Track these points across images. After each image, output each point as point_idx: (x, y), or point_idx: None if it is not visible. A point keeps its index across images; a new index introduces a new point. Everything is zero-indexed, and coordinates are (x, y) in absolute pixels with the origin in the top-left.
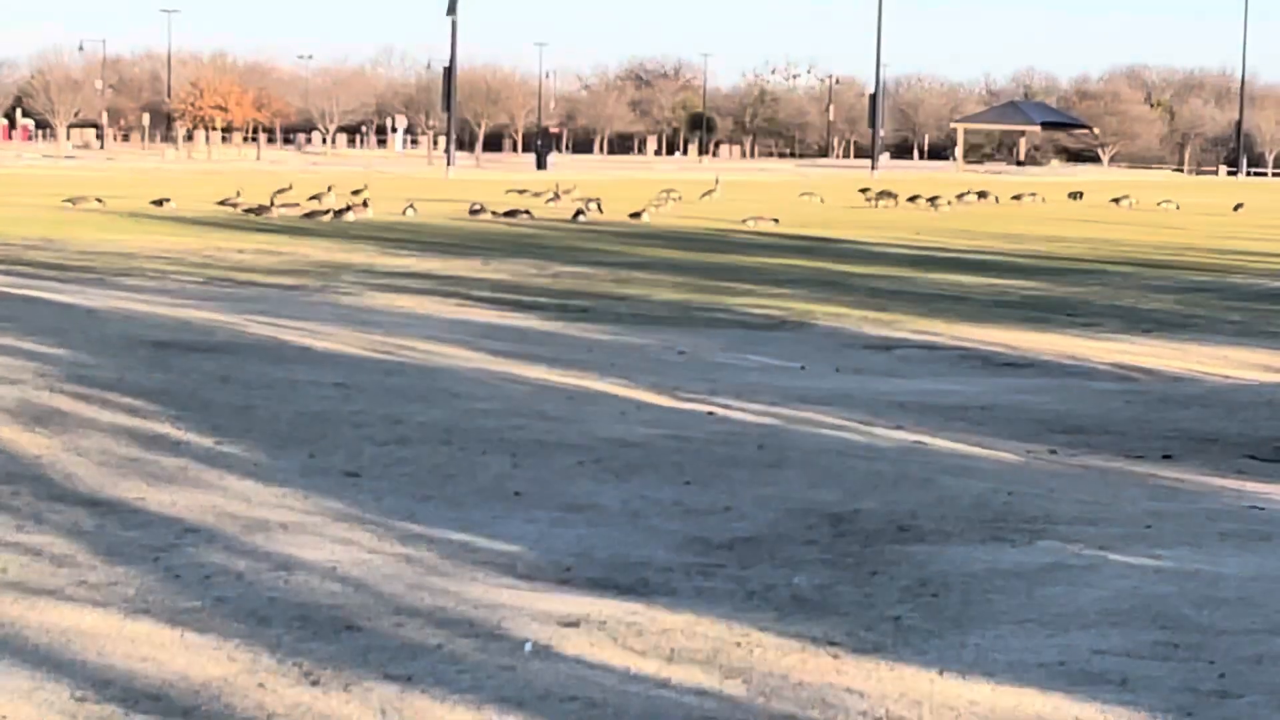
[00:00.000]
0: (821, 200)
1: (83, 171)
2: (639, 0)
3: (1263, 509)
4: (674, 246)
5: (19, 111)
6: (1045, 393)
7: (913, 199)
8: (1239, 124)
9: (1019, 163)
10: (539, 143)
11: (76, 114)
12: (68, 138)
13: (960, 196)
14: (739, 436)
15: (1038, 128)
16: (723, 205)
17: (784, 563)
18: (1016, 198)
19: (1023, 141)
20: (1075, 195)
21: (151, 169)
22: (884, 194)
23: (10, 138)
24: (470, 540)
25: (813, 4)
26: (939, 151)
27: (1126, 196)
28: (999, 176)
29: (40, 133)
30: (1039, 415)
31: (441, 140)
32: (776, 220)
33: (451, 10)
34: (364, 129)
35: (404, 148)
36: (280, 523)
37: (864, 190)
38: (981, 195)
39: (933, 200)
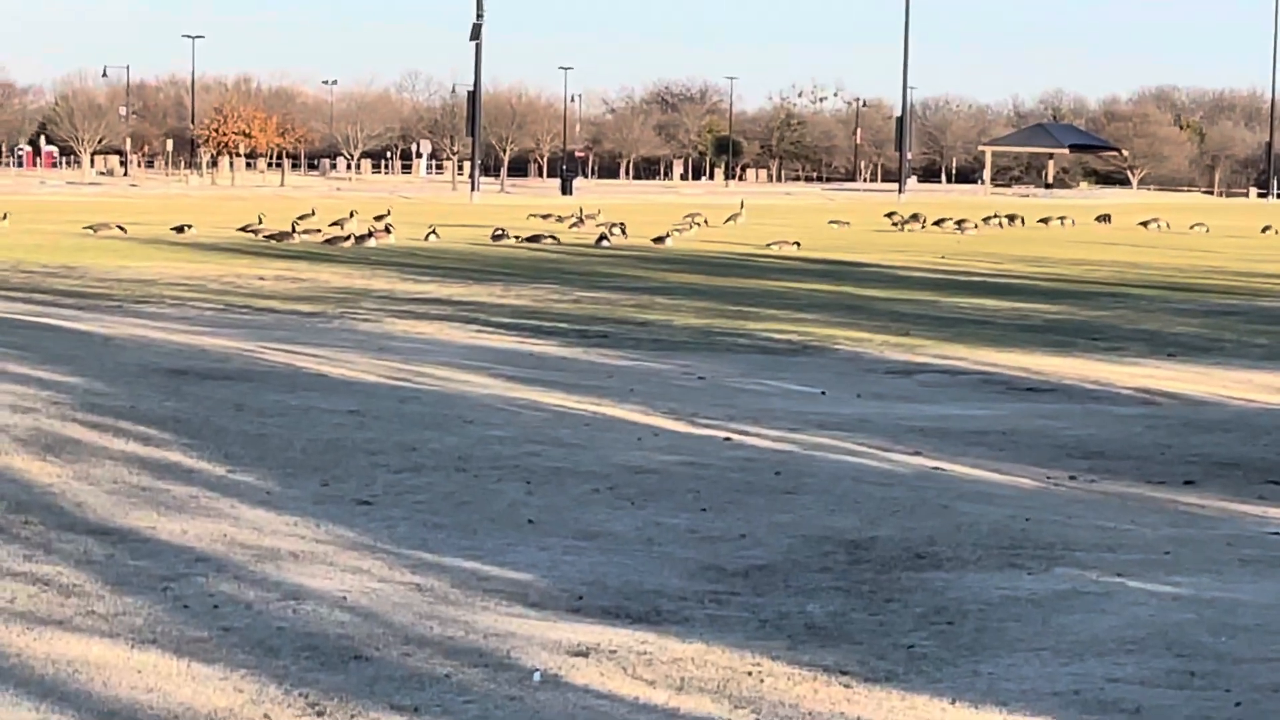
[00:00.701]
0: (848, 224)
1: (106, 198)
2: (665, 23)
3: None
4: (696, 271)
5: (43, 138)
6: (1067, 418)
7: (939, 222)
8: (1269, 145)
9: (1048, 185)
10: (564, 167)
11: (100, 140)
12: (92, 164)
13: (987, 220)
14: (756, 463)
15: (1066, 150)
16: (747, 230)
17: (798, 590)
18: (1044, 221)
19: (1051, 164)
20: (1103, 218)
21: (175, 195)
22: (914, 217)
23: (35, 164)
24: (482, 568)
25: (839, 27)
26: (967, 174)
27: (1155, 219)
28: (1027, 199)
29: (64, 159)
30: (1060, 440)
31: (466, 165)
32: (798, 244)
33: (475, 36)
34: (388, 154)
35: (428, 173)
36: (291, 552)
37: (891, 214)
38: (1010, 219)
39: (959, 224)
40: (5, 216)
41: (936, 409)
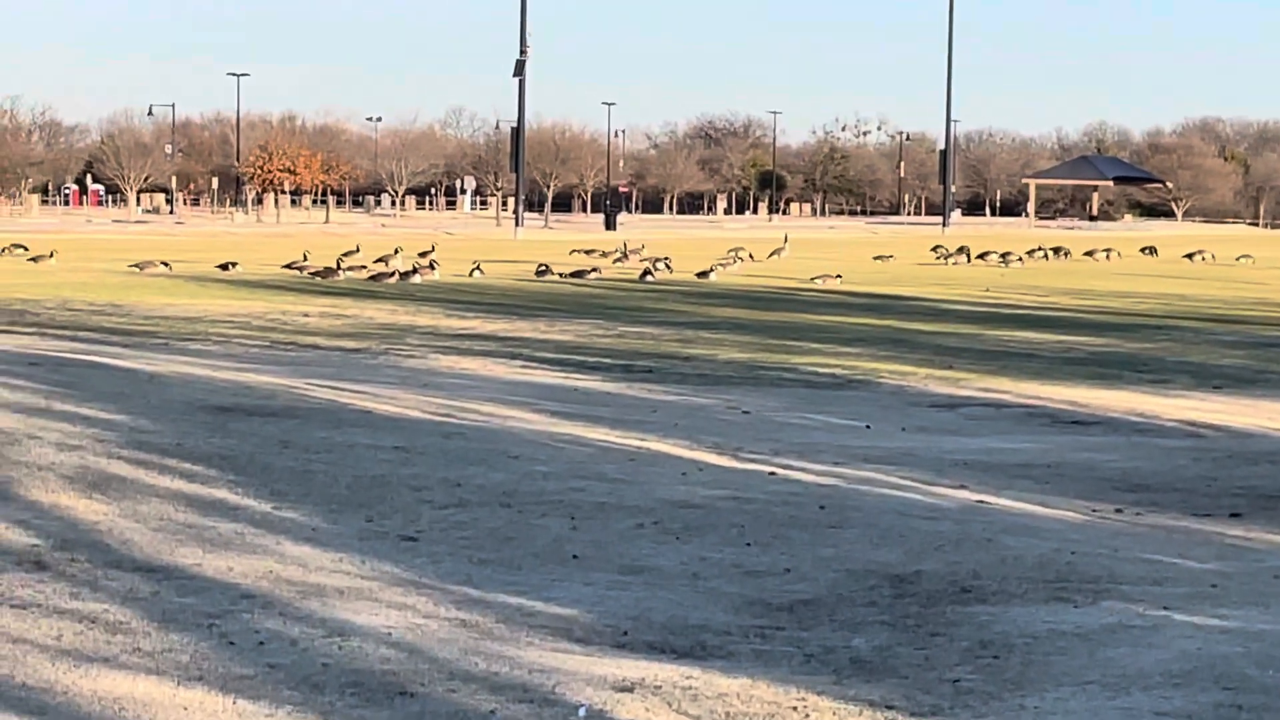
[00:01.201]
0: (892, 257)
1: (152, 236)
2: (708, 58)
3: None
4: (740, 306)
5: (89, 177)
6: (1112, 450)
7: (983, 256)
8: None
9: (1092, 218)
10: (608, 202)
11: (146, 178)
12: (138, 202)
13: (1031, 253)
14: (800, 497)
15: (1110, 182)
16: (791, 264)
17: (843, 625)
18: (1090, 254)
19: (1095, 196)
20: (1148, 250)
21: (220, 233)
22: (960, 250)
23: (81, 203)
24: (527, 604)
25: (882, 60)
26: (1011, 207)
27: (1201, 251)
28: (1072, 232)
29: (110, 197)
30: (1105, 473)
31: (510, 201)
32: (841, 278)
33: (519, 72)
34: (433, 190)
35: (473, 209)
36: (336, 588)
37: (936, 248)
38: (1056, 251)
39: (1004, 257)
40: (53, 254)
41: (981, 442)
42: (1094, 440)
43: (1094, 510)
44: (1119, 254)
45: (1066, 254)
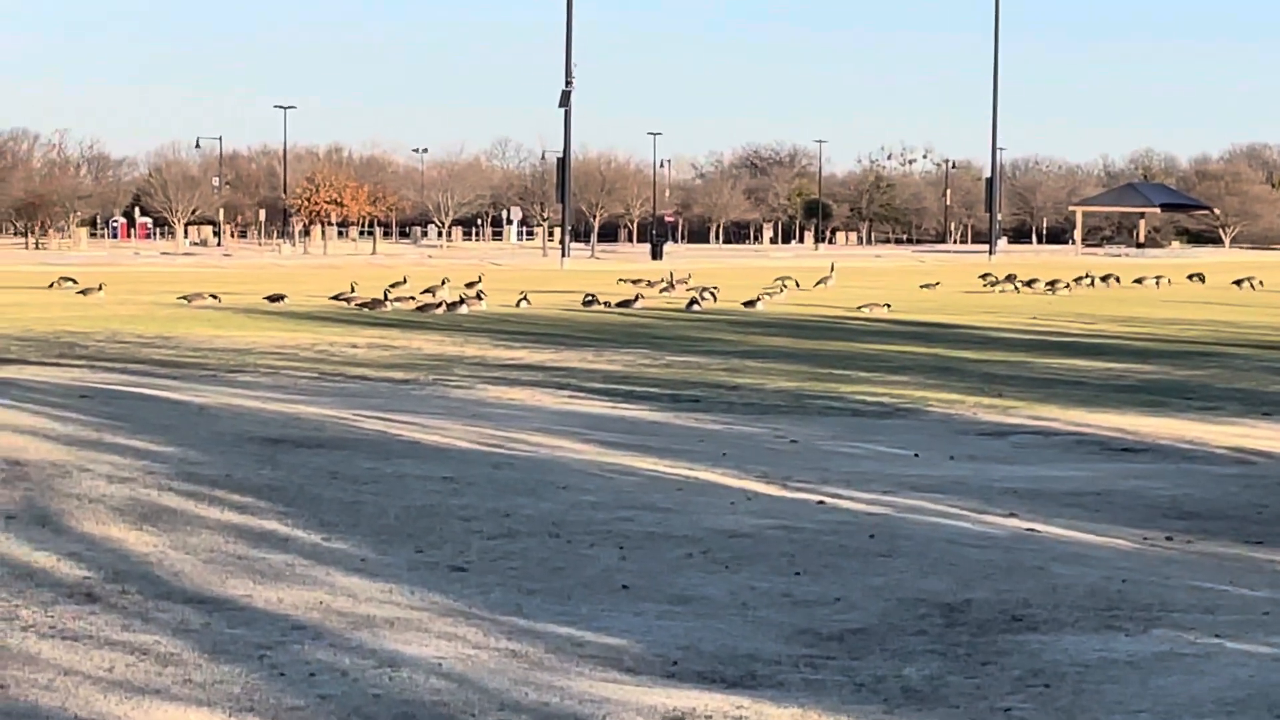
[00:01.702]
0: (938, 284)
1: (200, 268)
2: (753, 88)
3: None
4: (787, 334)
5: (137, 209)
6: (1162, 478)
7: (1030, 283)
8: None
9: (1139, 245)
10: (654, 232)
11: (194, 211)
12: (185, 235)
13: (1078, 280)
14: (850, 526)
15: (1157, 209)
16: (837, 292)
17: (894, 654)
18: (1139, 281)
19: (1142, 223)
20: (1196, 277)
21: (268, 265)
22: (1009, 278)
23: (129, 236)
24: (576, 634)
25: (928, 88)
26: (1057, 235)
27: (1249, 278)
28: (1119, 259)
29: (158, 230)
30: (1155, 501)
31: (557, 231)
32: (889, 306)
33: (564, 103)
34: (479, 221)
35: (519, 239)
36: (386, 618)
37: (985, 275)
38: (1105, 278)
39: (1051, 284)
40: (101, 287)
41: (1030, 470)
42: (1143, 468)
43: (1144, 538)
44: (1169, 281)
45: (1118, 280)
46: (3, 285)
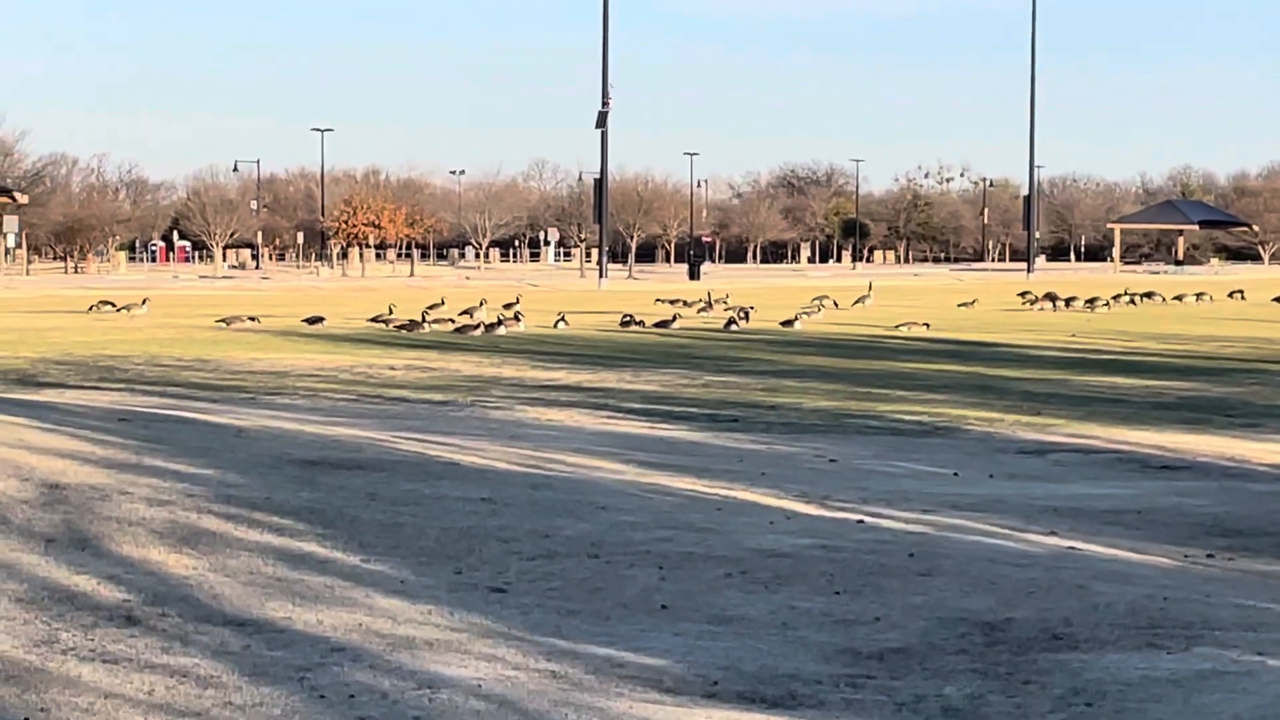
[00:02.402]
0: (976, 302)
1: (238, 291)
2: (790, 107)
3: None
4: (825, 354)
5: (176, 233)
6: (1203, 495)
7: (1069, 301)
8: None
9: (1178, 262)
10: (692, 252)
11: (232, 234)
12: (224, 258)
13: (1116, 297)
14: (889, 545)
15: (1196, 226)
16: (875, 311)
17: (935, 673)
18: (1179, 298)
19: (1181, 241)
20: (1237, 294)
21: (306, 287)
22: (1047, 296)
23: (168, 259)
24: (616, 654)
25: (965, 106)
26: (1095, 252)
27: None
28: (1157, 276)
29: (196, 253)
30: (1196, 518)
31: (594, 252)
32: (927, 325)
33: (601, 124)
34: (516, 242)
35: (556, 260)
36: (426, 640)
37: (1024, 294)
38: (1148, 295)
39: (1089, 302)
40: (145, 302)
41: (1070, 488)
42: (1184, 485)
43: (1185, 555)
44: (1210, 298)
45: (1163, 299)
46: (42, 309)
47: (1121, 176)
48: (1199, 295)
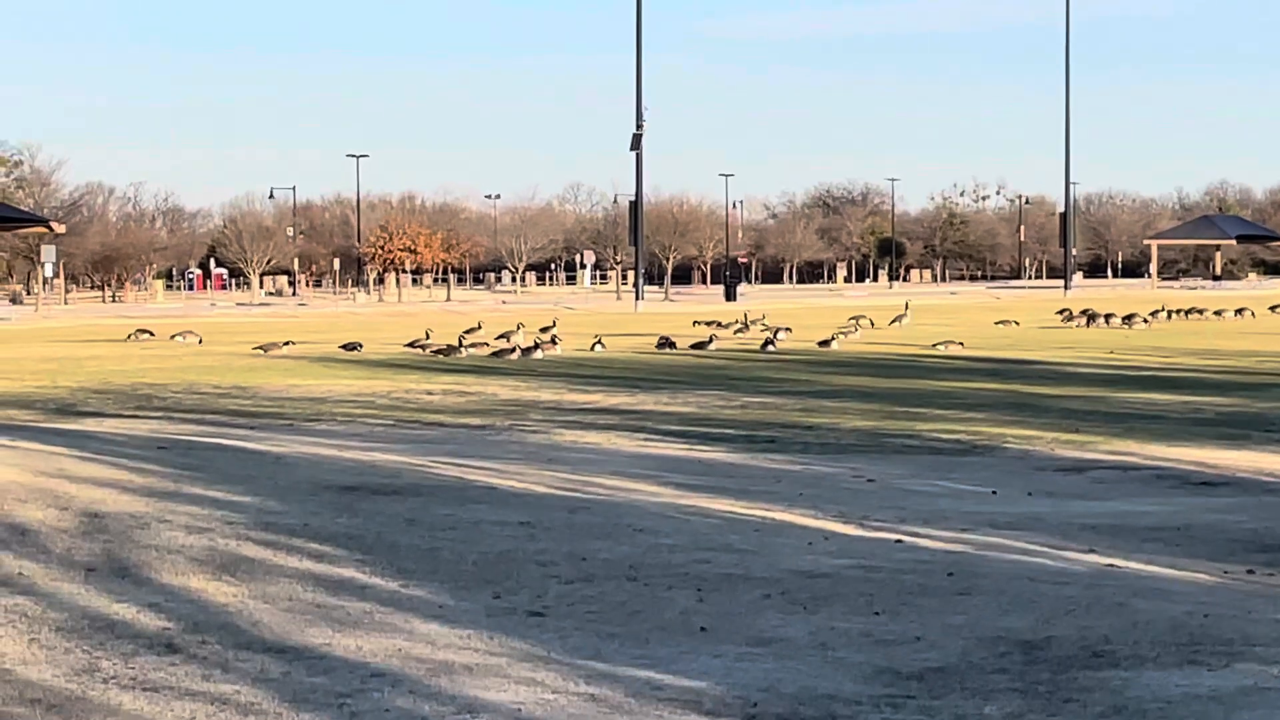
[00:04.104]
0: (1017, 324)
1: (275, 318)
2: (824, 127)
3: None
4: (863, 373)
5: (212, 260)
6: (1242, 511)
7: (1107, 318)
8: None
9: (1215, 277)
10: (728, 273)
11: (268, 261)
12: (260, 285)
13: (1154, 314)
14: (928, 565)
15: (1233, 241)
16: (912, 330)
17: (975, 692)
18: (1218, 313)
19: (1218, 256)
20: (1277, 309)
21: (343, 313)
22: (1084, 312)
23: (205, 286)
24: (655, 677)
25: (1000, 123)
26: (1133, 269)
27: None
28: (1195, 292)
29: (233, 280)
30: (1236, 534)
31: (630, 274)
32: (963, 344)
33: (635, 146)
34: (553, 265)
35: (592, 283)
36: (465, 665)
37: (1062, 311)
38: (1188, 312)
39: (1127, 319)
40: (190, 333)
41: (1109, 505)
42: (1223, 501)
43: (1225, 572)
44: (1253, 313)
45: (1201, 314)
46: (80, 338)
47: (1158, 192)
48: (1239, 311)
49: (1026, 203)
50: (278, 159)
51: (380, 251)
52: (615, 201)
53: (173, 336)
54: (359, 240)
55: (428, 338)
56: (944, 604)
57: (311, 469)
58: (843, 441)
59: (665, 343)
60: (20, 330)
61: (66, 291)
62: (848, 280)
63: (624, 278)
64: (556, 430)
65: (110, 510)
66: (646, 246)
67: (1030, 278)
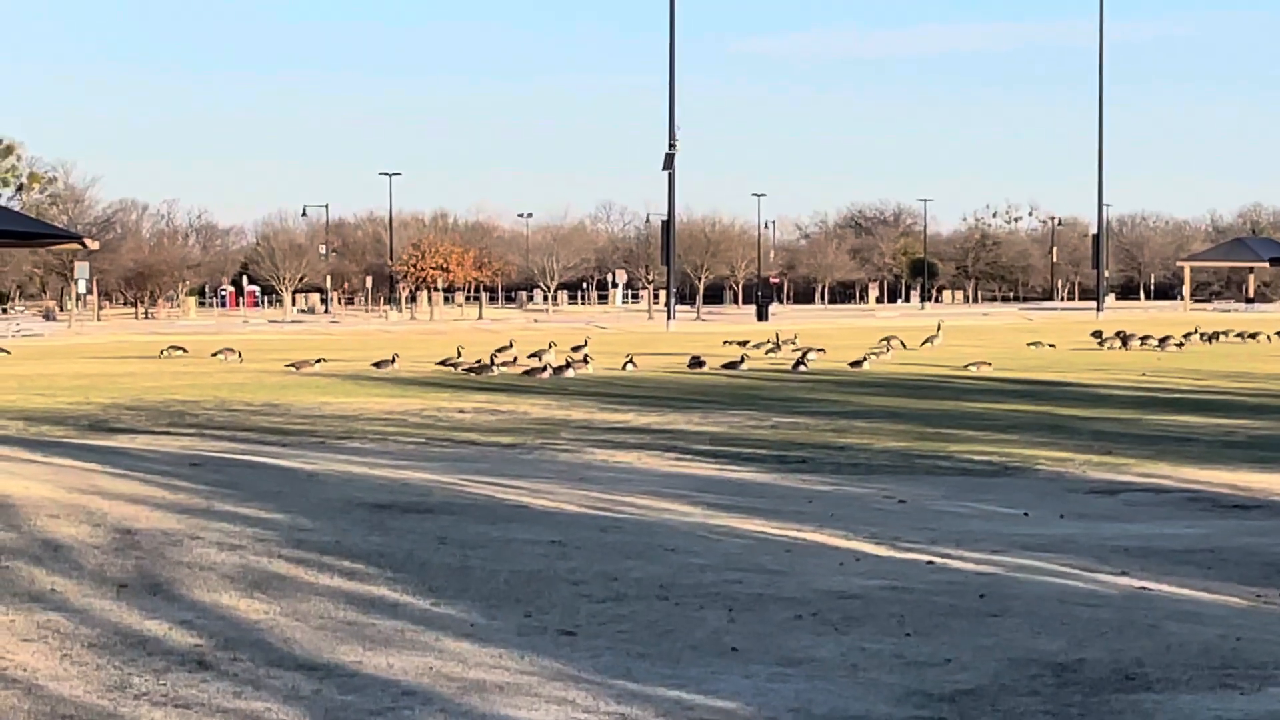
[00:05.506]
0: (1053, 346)
1: (307, 335)
2: (856, 148)
3: None
4: (894, 394)
5: (245, 278)
6: (1275, 534)
7: (1144, 339)
8: None
9: (1248, 300)
10: (759, 293)
11: (301, 279)
12: (293, 302)
13: (1187, 336)
14: (960, 586)
15: (1266, 264)
16: (944, 351)
17: (1006, 714)
18: (1253, 336)
19: (1251, 278)
20: None
21: (375, 331)
22: (1118, 334)
23: (237, 304)
24: (686, 697)
25: (1032, 145)
26: (1165, 291)
27: None
28: (1228, 314)
29: (265, 298)
30: (1269, 558)
31: (662, 294)
32: (992, 365)
33: (667, 165)
34: (584, 285)
35: (624, 302)
36: (496, 683)
37: (1097, 333)
38: (1220, 336)
39: (1161, 341)
40: (228, 350)
41: (1142, 528)
42: (1256, 524)
43: (1258, 595)
44: None
45: (1240, 336)
46: (113, 354)
47: (1191, 214)
48: (1278, 333)
49: (1059, 224)
50: (311, 177)
51: (413, 269)
52: (647, 221)
53: (214, 354)
54: (391, 258)
55: (459, 356)
56: (975, 625)
57: (343, 487)
58: (874, 462)
59: (696, 362)
60: (54, 346)
61: (100, 308)
62: (879, 301)
63: (656, 297)
64: (588, 449)
65: (142, 527)
66: (678, 266)
67: (1062, 299)
